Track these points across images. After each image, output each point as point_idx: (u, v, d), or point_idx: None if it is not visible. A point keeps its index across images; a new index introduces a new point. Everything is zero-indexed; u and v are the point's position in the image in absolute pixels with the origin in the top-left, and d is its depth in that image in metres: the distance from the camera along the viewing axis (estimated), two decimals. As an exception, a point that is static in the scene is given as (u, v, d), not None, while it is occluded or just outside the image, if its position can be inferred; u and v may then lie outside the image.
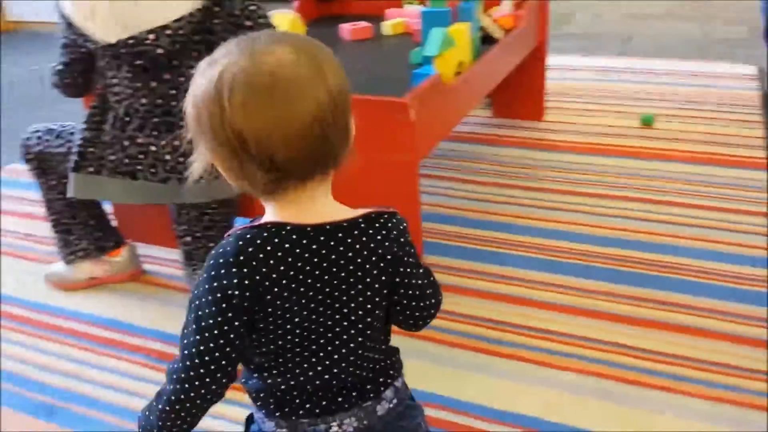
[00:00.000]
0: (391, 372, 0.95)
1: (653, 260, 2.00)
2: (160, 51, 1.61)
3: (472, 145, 2.83)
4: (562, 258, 2.04)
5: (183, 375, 0.84)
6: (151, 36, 1.59)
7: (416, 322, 0.96)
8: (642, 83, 3.46)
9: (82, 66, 1.72)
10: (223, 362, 0.84)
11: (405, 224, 0.90)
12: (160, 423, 0.87)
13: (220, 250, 0.83)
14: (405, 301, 0.92)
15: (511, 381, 1.60)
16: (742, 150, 2.65)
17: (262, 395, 0.91)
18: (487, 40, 2.40)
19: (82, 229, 1.99)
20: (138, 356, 1.75)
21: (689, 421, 1.47)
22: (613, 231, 2.17)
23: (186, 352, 0.84)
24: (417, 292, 0.92)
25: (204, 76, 0.78)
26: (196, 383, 0.84)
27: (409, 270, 0.90)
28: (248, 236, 0.82)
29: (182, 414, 0.86)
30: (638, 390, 1.56)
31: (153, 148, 1.68)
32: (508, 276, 1.98)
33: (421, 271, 0.93)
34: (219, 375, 0.84)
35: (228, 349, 0.83)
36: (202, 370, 0.83)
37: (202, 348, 0.83)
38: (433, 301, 0.95)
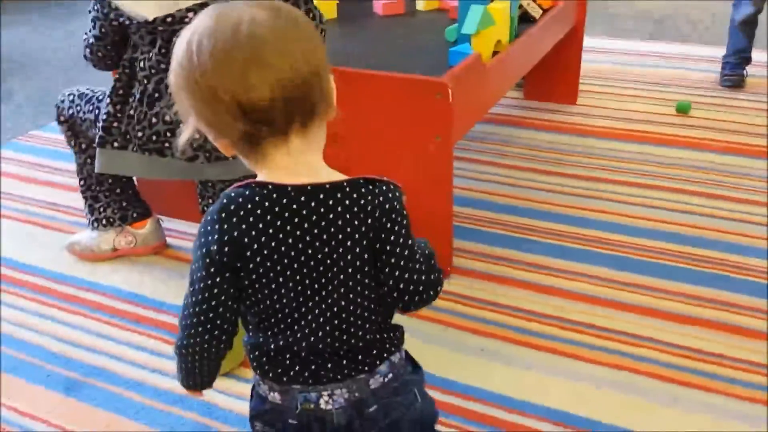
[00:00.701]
0: (388, 346, 0.93)
1: (685, 252, 1.95)
2: None
3: (502, 127, 2.77)
4: (591, 247, 1.99)
5: (185, 329, 0.90)
6: (190, 14, 1.55)
7: (403, 298, 0.91)
8: (677, 68, 3.38)
9: (114, 39, 1.68)
10: (212, 315, 0.87)
11: (398, 194, 0.88)
12: (180, 375, 0.96)
13: (210, 210, 0.86)
14: (389, 272, 0.88)
15: (539, 372, 1.56)
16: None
17: (256, 354, 0.92)
18: (523, 19, 2.33)
19: (107, 197, 1.97)
20: (161, 332, 1.72)
21: (698, 414, 1.43)
22: (646, 221, 2.11)
23: (186, 306, 0.89)
24: (402, 264, 0.88)
25: (180, 40, 0.82)
26: (197, 337, 0.89)
27: (393, 239, 0.87)
28: (232, 195, 0.85)
29: (195, 364, 0.92)
30: (634, 377, 1.53)
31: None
32: (537, 264, 1.93)
33: (410, 243, 0.89)
34: (212, 328, 0.88)
35: (214, 303, 0.86)
36: (199, 326, 0.88)
37: (195, 303, 0.87)
38: (423, 278, 0.91)
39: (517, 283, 1.85)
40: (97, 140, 1.70)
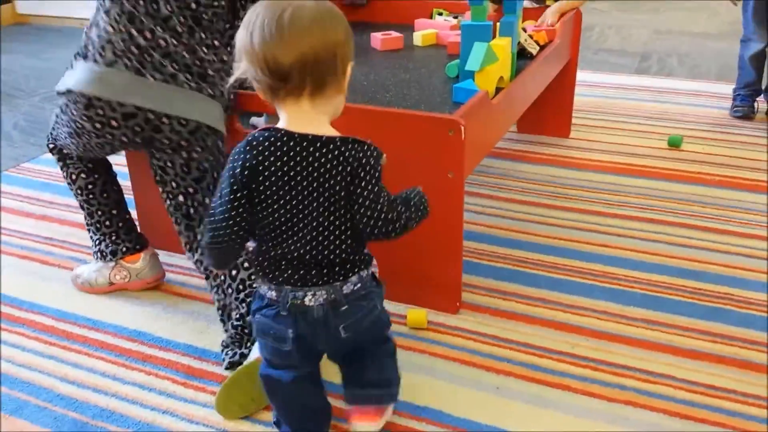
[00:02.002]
0: (359, 263, 1.25)
1: (689, 287, 1.96)
2: None
3: (499, 161, 2.79)
4: (597, 281, 2.00)
5: (212, 230, 1.21)
6: None
7: (365, 230, 1.22)
8: (667, 103, 3.43)
9: None
10: (232, 222, 1.19)
11: (376, 154, 1.19)
12: (208, 262, 1.29)
13: (239, 144, 1.19)
14: (356, 209, 1.20)
15: (556, 410, 1.55)
16: (764, 175, 2.64)
17: (260, 260, 1.25)
18: (520, 55, 2.36)
19: (98, 230, 1.95)
20: (169, 371, 1.69)
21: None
22: (649, 255, 2.12)
23: (213, 213, 1.21)
24: (366, 204, 1.19)
25: (249, 14, 1.15)
26: (222, 237, 1.21)
27: (363, 185, 1.18)
28: (256, 134, 1.19)
29: (216, 254, 1.25)
30: (648, 414, 1.52)
31: (163, 43, 1.66)
32: (545, 299, 1.93)
33: (375, 189, 1.19)
34: (232, 232, 1.20)
35: (235, 213, 1.19)
36: (222, 229, 1.20)
37: (221, 212, 1.20)
38: (381, 217, 1.21)
39: (527, 318, 1.85)
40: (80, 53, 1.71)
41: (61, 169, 1.93)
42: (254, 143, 1.17)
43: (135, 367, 1.71)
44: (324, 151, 1.16)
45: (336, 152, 1.16)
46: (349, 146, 1.17)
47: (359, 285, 1.26)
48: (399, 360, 1.47)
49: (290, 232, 1.20)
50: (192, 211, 1.77)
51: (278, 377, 1.33)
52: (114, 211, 1.95)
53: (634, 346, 1.74)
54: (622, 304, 1.90)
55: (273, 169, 1.16)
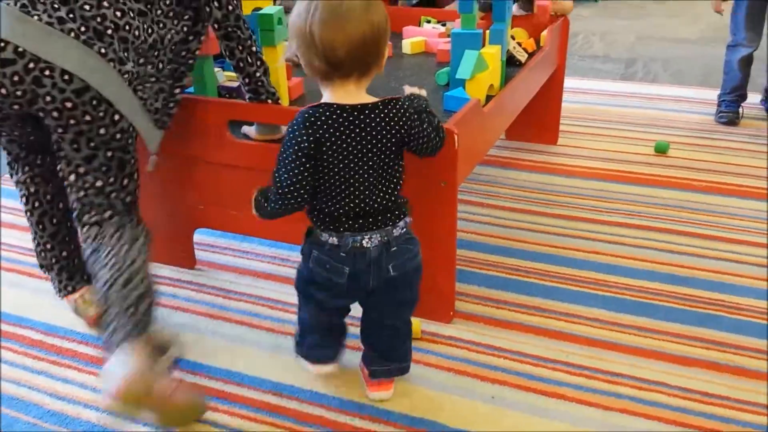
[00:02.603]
0: (404, 210, 1.46)
1: (681, 293, 1.97)
2: None
3: (488, 168, 2.79)
4: (589, 289, 2.00)
5: (279, 199, 1.40)
6: None
7: (427, 153, 1.49)
8: (652, 109, 3.46)
9: None
10: (299, 187, 1.37)
11: (407, 104, 1.40)
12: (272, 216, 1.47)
13: (295, 121, 1.36)
14: (416, 149, 1.46)
15: (553, 420, 1.55)
16: (752, 180, 2.66)
17: (321, 215, 1.43)
18: (509, 62, 2.36)
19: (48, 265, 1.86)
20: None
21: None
22: (640, 262, 2.13)
23: (279, 183, 1.39)
24: (422, 141, 1.44)
25: (300, 4, 1.31)
26: (287, 203, 1.40)
27: (414, 132, 1.41)
28: (311, 110, 1.35)
29: (281, 215, 1.45)
30: (644, 422, 1.53)
31: None
32: (538, 307, 1.93)
33: (424, 126, 1.43)
34: (300, 199, 1.39)
35: (303, 181, 1.37)
36: (289, 198, 1.39)
37: (287, 180, 1.37)
38: (436, 141, 1.49)
39: (520, 327, 1.85)
40: None
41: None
42: (313, 119, 1.34)
43: (126, 381, 1.68)
44: (372, 115, 1.36)
45: (382, 115, 1.36)
46: (390, 107, 1.37)
47: (405, 229, 1.46)
48: None
49: (351, 189, 1.38)
50: (82, 194, 1.59)
51: (325, 304, 1.52)
52: (53, 250, 1.82)
53: (627, 353, 1.75)
54: (615, 311, 1.90)
55: (334, 138, 1.34)
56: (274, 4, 2.05)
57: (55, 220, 1.80)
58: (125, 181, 1.63)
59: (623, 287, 2.01)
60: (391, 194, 1.42)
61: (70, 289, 1.85)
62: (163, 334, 1.60)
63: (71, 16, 1.46)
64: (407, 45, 2.67)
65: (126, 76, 1.54)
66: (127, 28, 1.53)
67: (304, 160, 1.35)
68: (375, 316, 1.55)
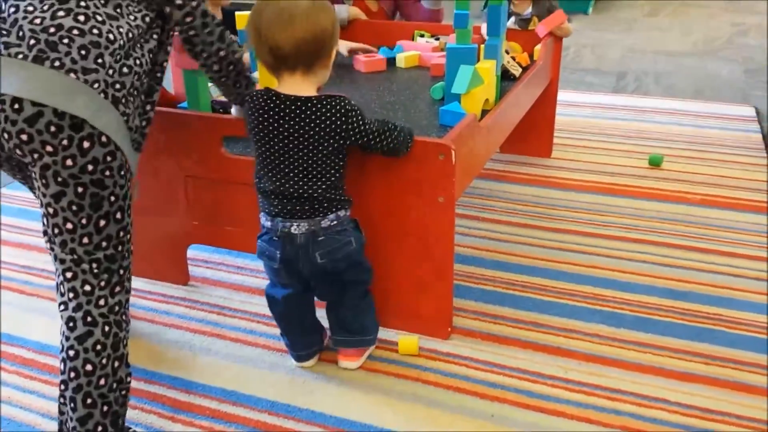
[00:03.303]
0: (337, 205, 1.56)
1: (679, 308, 1.96)
2: None
3: (482, 181, 2.78)
4: (587, 304, 1.99)
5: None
6: None
7: (380, 152, 1.63)
8: (645, 122, 3.46)
9: None
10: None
11: (348, 107, 1.52)
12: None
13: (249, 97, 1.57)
14: (360, 144, 1.58)
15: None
16: (746, 193, 2.66)
17: (259, 194, 1.59)
18: (503, 76, 2.36)
19: None
20: (159, 407, 1.64)
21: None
22: (637, 276, 2.12)
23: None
24: (366, 139, 1.57)
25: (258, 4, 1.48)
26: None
27: (352, 127, 1.53)
28: (256, 92, 1.55)
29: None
30: None
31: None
32: (535, 322, 1.91)
33: (365, 127, 1.55)
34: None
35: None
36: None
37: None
38: (386, 143, 1.60)
39: (519, 343, 1.83)
40: None
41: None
42: (253, 100, 1.53)
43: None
44: (304, 108, 1.49)
45: (314, 108, 1.49)
46: (325, 103, 1.50)
47: (336, 222, 1.57)
48: (390, 388, 1.58)
49: (276, 170, 1.53)
50: (53, 234, 1.36)
51: (274, 294, 1.67)
52: None
53: (627, 369, 1.73)
54: (613, 326, 1.89)
55: (266, 122, 1.51)
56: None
57: None
58: (101, 223, 1.36)
59: (621, 302, 2.00)
60: (318, 184, 1.53)
61: None
62: None
63: (20, 34, 1.29)
64: (401, 59, 2.67)
65: (97, 86, 1.31)
66: (95, 31, 1.32)
67: (249, 128, 1.57)
68: (325, 297, 1.72)
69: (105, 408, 1.36)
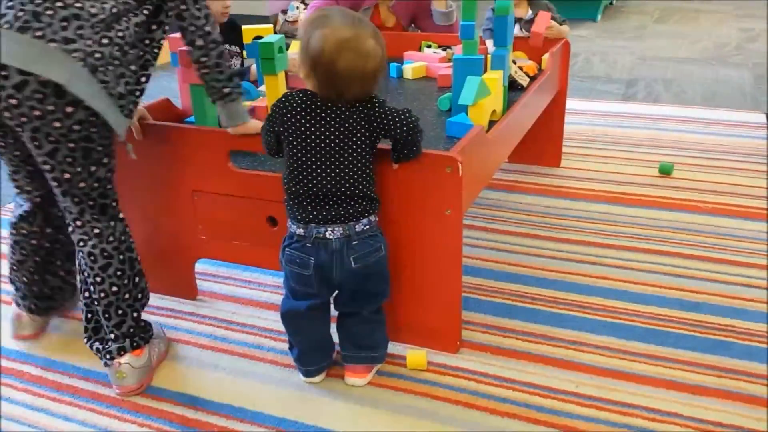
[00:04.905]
0: (368, 209, 1.59)
1: (691, 319, 1.94)
2: None
3: (491, 192, 2.76)
4: (597, 316, 1.97)
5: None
6: None
7: (400, 157, 1.64)
8: (655, 130, 3.44)
9: None
10: (268, 146, 1.67)
11: (380, 102, 1.56)
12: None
13: (278, 98, 1.59)
14: (393, 141, 1.60)
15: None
16: (758, 201, 2.63)
17: (290, 201, 1.59)
18: (510, 86, 2.35)
19: None
20: (162, 422, 1.63)
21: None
22: (647, 287, 2.10)
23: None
24: (401, 142, 1.59)
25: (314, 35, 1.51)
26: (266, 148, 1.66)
27: (392, 125, 1.56)
28: (292, 93, 1.57)
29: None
30: None
31: None
32: (545, 335, 1.89)
33: (403, 123, 1.56)
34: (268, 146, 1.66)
35: (269, 140, 1.64)
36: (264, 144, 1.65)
37: (264, 142, 1.65)
38: (414, 148, 1.61)
39: (529, 356, 1.81)
40: None
41: None
42: (290, 97, 1.55)
43: (128, 418, 1.65)
44: (343, 108, 1.54)
45: (354, 110, 1.54)
46: (365, 103, 1.55)
47: (368, 226, 1.59)
48: (399, 404, 1.57)
49: (311, 169, 1.54)
50: (61, 189, 1.60)
51: (297, 307, 1.65)
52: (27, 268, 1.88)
53: (638, 383, 1.71)
54: (624, 339, 1.87)
55: (299, 118, 1.54)
56: (275, 33, 2.04)
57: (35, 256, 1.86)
58: (93, 168, 1.59)
59: (632, 314, 1.97)
60: (355, 191, 1.55)
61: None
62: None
63: (9, 4, 1.43)
64: (408, 70, 2.66)
65: (77, 55, 1.44)
66: (78, 5, 1.45)
67: (268, 127, 1.60)
68: (345, 307, 1.70)
69: (134, 314, 1.72)
